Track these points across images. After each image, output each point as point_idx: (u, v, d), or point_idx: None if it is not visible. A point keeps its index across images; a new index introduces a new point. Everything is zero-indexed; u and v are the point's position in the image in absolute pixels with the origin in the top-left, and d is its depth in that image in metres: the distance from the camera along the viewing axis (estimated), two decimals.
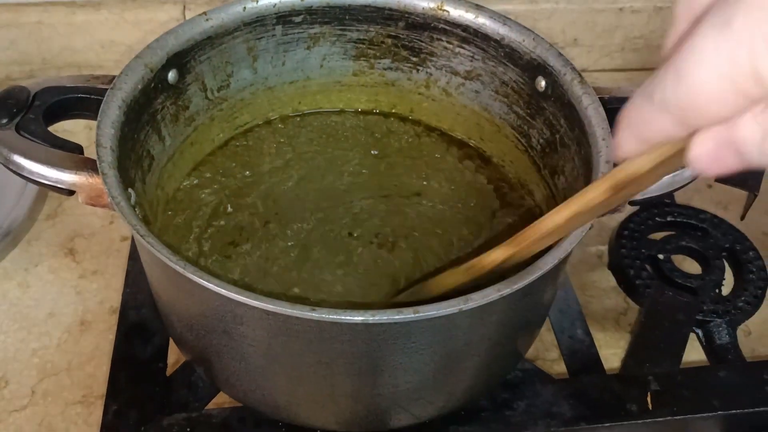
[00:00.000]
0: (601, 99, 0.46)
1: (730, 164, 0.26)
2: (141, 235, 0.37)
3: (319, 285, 0.47)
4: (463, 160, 0.56)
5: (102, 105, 0.43)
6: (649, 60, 0.80)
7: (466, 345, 0.41)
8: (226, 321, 0.39)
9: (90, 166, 0.41)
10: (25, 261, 0.60)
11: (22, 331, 0.56)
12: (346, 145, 0.57)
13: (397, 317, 0.35)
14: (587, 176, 0.44)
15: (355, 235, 0.51)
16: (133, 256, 0.57)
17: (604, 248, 0.62)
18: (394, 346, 0.38)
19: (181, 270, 0.36)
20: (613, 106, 0.46)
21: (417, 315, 0.35)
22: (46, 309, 0.57)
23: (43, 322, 0.56)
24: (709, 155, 0.26)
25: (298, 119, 0.58)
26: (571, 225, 0.37)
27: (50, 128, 0.44)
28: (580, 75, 0.47)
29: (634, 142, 0.28)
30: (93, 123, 0.46)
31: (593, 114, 0.45)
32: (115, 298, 0.57)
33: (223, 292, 0.35)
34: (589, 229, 0.39)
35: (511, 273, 0.38)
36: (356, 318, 0.35)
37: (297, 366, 0.40)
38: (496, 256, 0.41)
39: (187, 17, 0.72)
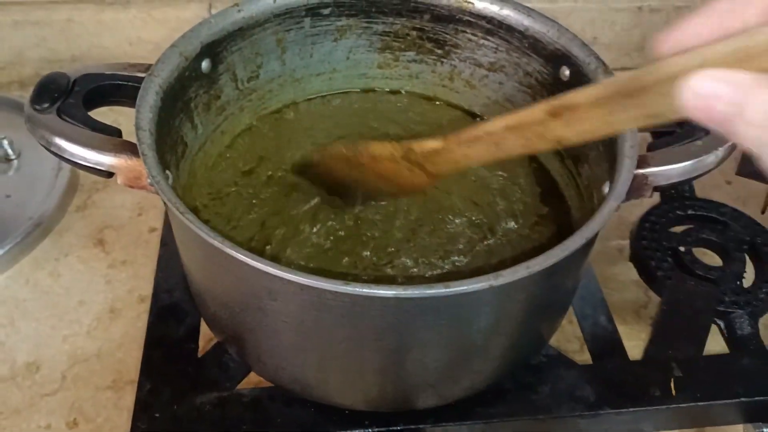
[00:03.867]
0: None
1: (714, 113, 0.25)
2: (180, 212, 0.38)
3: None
4: None
5: (140, 90, 0.44)
6: None
7: (493, 324, 0.42)
8: (261, 297, 0.39)
9: (129, 149, 0.42)
10: (55, 251, 0.61)
11: (53, 318, 0.57)
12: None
13: (428, 292, 0.36)
14: (611, 162, 0.44)
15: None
16: (165, 242, 0.58)
17: (626, 243, 0.63)
18: (423, 321, 0.39)
19: (218, 245, 0.37)
20: None
21: (448, 290, 0.36)
22: (77, 297, 0.58)
23: (74, 309, 0.57)
24: (701, 92, 0.26)
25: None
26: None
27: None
28: (604, 63, 0.48)
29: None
30: (126, 115, 0.47)
31: None
32: (143, 287, 0.58)
33: (260, 266, 0.36)
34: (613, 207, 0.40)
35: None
36: (388, 292, 0.36)
37: (328, 342, 0.41)
38: (428, 144, 0.43)
39: None
